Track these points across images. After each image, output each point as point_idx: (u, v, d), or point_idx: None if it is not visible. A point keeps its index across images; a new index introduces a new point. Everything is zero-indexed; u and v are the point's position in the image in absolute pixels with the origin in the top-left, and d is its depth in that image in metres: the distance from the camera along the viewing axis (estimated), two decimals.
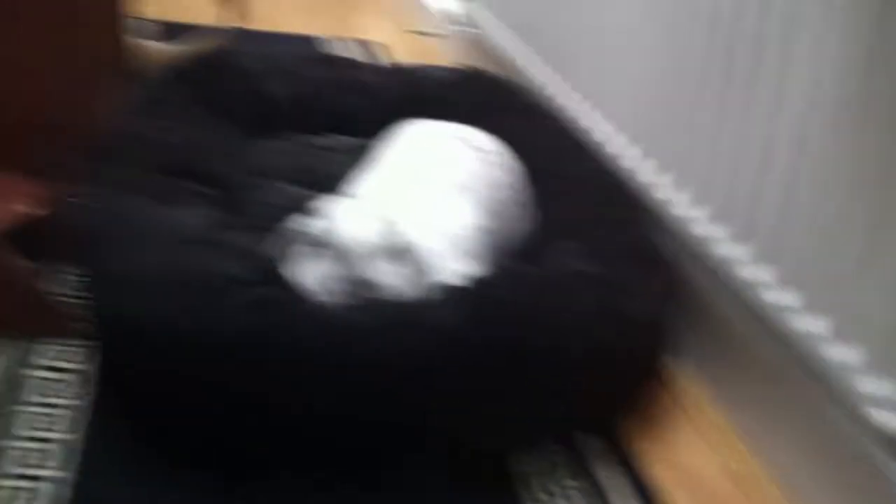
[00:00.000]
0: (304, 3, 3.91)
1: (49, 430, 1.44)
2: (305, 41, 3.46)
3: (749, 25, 1.51)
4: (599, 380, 1.53)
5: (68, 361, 1.58)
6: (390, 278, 1.48)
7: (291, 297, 1.46)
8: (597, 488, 1.48)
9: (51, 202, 1.79)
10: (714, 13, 1.62)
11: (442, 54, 3.36)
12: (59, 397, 1.51)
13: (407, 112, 2.35)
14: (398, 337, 1.39)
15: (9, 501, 1.30)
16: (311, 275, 1.49)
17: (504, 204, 1.80)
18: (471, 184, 1.76)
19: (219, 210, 1.75)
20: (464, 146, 1.84)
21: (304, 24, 3.64)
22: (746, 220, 1.52)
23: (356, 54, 3.31)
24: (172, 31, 3.15)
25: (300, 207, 1.89)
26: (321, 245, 1.48)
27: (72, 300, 1.72)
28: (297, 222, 1.57)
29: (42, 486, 1.34)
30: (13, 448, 1.40)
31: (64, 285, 1.78)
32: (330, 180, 2.09)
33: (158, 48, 2.85)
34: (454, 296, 1.47)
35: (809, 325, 1.42)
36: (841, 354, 1.36)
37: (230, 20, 2.85)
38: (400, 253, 1.52)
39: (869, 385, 1.32)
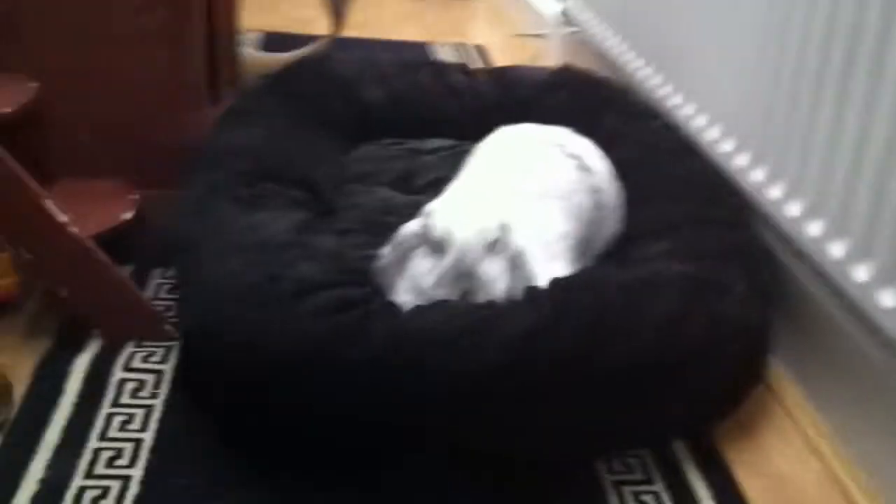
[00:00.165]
0: (410, 10, 3.92)
1: (123, 429, 1.47)
2: (409, 47, 3.48)
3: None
4: (690, 384, 1.48)
5: (146, 362, 1.61)
6: (497, 279, 1.46)
7: (372, 300, 1.45)
8: (688, 496, 1.43)
9: (146, 208, 1.83)
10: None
11: (546, 56, 3.33)
12: (134, 397, 1.53)
13: (503, 114, 2.33)
14: (474, 343, 1.37)
15: (82, 499, 1.33)
16: (417, 274, 1.48)
17: (595, 210, 1.78)
18: (562, 192, 1.73)
19: (310, 215, 1.77)
20: (558, 152, 1.82)
21: (409, 31, 3.66)
22: (866, 235, 1.44)
23: (459, 59, 3.31)
24: (277, 41, 3.20)
25: (395, 211, 1.90)
26: (430, 243, 1.47)
27: (161, 303, 1.77)
28: (406, 223, 1.56)
29: (113, 483, 1.36)
30: (90, 447, 1.43)
31: (155, 289, 1.82)
32: (425, 184, 2.10)
33: (263, 58, 2.90)
34: (532, 300, 1.45)
35: None
36: None
37: (335, 29, 2.89)
38: (508, 255, 1.50)
39: None
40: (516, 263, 1.50)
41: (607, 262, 1.86)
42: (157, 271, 1.87)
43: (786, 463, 1.53)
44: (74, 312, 1.64)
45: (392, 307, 1.46)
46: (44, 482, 1.35)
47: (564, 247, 1.68)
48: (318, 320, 1.41)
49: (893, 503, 1.41)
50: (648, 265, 1.65)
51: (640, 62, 2.39)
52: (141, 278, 1.85)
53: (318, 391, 1.40)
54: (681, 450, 1.52)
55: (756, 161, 1.77)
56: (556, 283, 1.50)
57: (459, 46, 3.54)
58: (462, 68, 2.46)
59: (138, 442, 1.44)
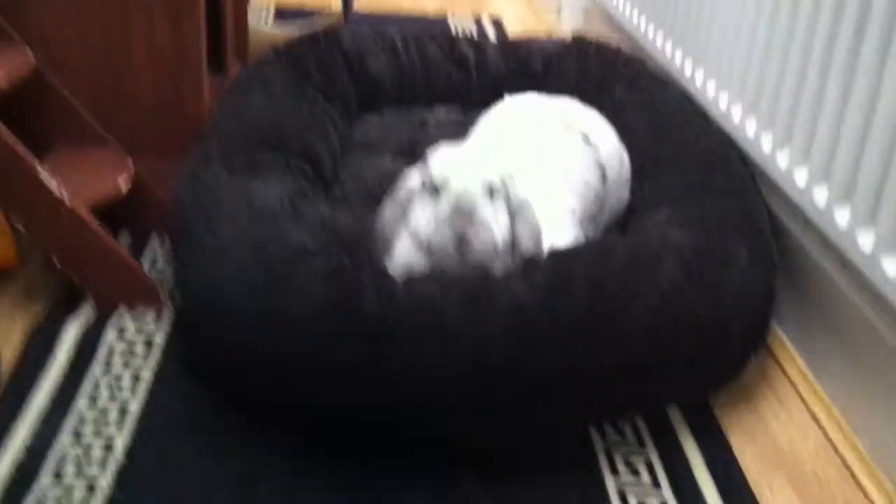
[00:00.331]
0: None
1: (112, 396, 1.46)
2: (422, 20, 3.46)
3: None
4: (689, 352, 1.45)
5: (137, 329, 1.61)
6: (497, 226, 1.43)
7: (364, 270, 1.43)
8: (680, 463, 1.40)
9: (143, 176, 1.82)
10: None
11: (562, 27, 3.29)
12: (125, 364, 1.53)
13: (513, 85, 2.31)
14: (466, 315, 1.35)
15: (65, 464, 1.33)
16: (416, 222, 1.46)
17: (600, 185, 1.75)
18: (567, 166, 1.71)
19: (307, 184, 1.75)
20: (563, 125, 1.79)
21: (430, 4, 3.64)
22: (871, 202, 1.40)
23: (478, 31, 3.28)
24: (289, 15, 3.20)
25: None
26: (429, 189, 1.45)
27: (158, 271, 1.76)
28: (409, 171, 1.54)
29: (98, 450, 1.36)
30: (76, 412, 1.42)
31: (152, 257, 1.82)
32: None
33: (274, 32, 2.89)
34: (527, 272, 1.42)
35: None
36: None
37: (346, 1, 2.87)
38: (510, 204, 1.47)
39: None
40: (518, 212, 1.47)
41: (612, 232, 1.83)
42: (155, 240, 1.86)
43: (783, 431, 1.49)
44: (68, 279, 1.63)
45: (384, 277, 1.43)
46: (29, 446, 1.35)
47: (570, 221, 1.65)
48: (309, 290, 1.39)
49: (888, 470, 1.37)
50: (651, 234, 1.62)
51: (652, 30, 2.35)
52: (138, 247, 1.84)
53: (309, 361, 1.39)
54: (676, 416, 1.49)
55: (763, 128, 1.74)
56: (554, 254, 1.47)
57: (473, 18, 3.51)
58: (471, 39, 2.42)
59: (125, 409, 1.43)
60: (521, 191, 1.49)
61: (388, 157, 2.06)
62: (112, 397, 1.46)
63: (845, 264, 1.48)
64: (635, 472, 1.38)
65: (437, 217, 1.41)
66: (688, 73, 2.10)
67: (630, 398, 1.48)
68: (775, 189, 1.68)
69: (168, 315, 1.64)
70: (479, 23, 3.49)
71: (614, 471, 1.38)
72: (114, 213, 1.74)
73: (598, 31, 2.78)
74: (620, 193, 1.83)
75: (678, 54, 2.17)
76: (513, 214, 1.47)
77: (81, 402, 1.44)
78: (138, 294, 1.65)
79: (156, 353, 1.55)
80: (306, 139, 1.91)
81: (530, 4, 3.75)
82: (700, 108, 2.02)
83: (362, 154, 2.07)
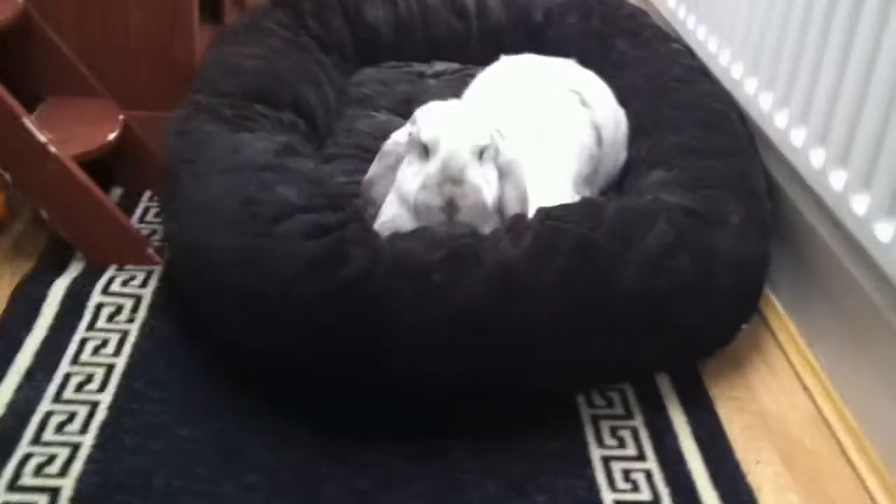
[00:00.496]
0: None
1: (96, 353, 1.45)
2: None
3: None
4: (677, 317, 1.43)
5: (125, 286, 1.60)
6: (485, 187, 1.41)
7: (349, 226, 1.41)
8: (666, 432, 1.39)
9: (135, 128, 1.80)
10: None
11: None
12: (111, 321, 1.52)
13: (513, 37, 2.27)
14: (450, 274, 1.33)
15: (48, 424, 1.32)
16: (403, 181, 1.44)
17: (595, 146, 1.73)
18: (563, 127, 1.68)
19: (297, 138, 1.73)
20: (559, 86, 1.76)
21: None
22: (867, 166, 1.37)
23: None
24: None
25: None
26: (417, 149, 1.42)
27: (148, 226, 1.75)
28: (402, 129, 1.52)
29: (81, 408, 1.35)
30: (61, 371, 1.42)
31: (142, 211, 1.80)
32: None
33: None
34: (513, 231, 1.40)
35: None
36: None
37: None
38: (499, 163, 1.45)
39: None
40: (507, 172, 1.46)
41: (608, 193, 1.81)
42: (146, 193, 1.84)
43: (772, 399, 1.48)
44: (58, 235, 1.62)
45: (368, 234, 1.42)
46: (11, 405, 1.34)
47: (564, 182, 1.63)
48: (293, 247, 1.38)
49: (878, 442, 1.36)
50: (644, 195, 1.60)
51: None
52: (131, 202, 1.83)
53: (294, 317, 1.38)
54: (665, 384, 1.48)
55: (764, 87, 1.70)
56: (542, 214, 1.45)
57: None
58: None
59: (110, 367, 1.43)
60: (509, 149, 1.47)
61: (384, 112, 2.03)
62: (97, 355, 1.45)
63: (839, 228, 1.46)
64: (621, 442, 1.38)
65: (427, 180, 1.39)
66: (690, 26, 2.06)
67: (616, 363, 1.46)
68: (773, 150, 1.65)
69: (157, 271, 1.62)
70: None
71: (600, 440, 1.37)
72: (106, 168, 1.72)
73: None
74: (617, 155, 1.80)
75: (682, 9, 2.12)
76: (501, 174, 1.45)
77: (66, 361, 1.43)
78: (128, 250, 1.63)
79: (143, 312, 1.54)
80: (299, 91, 1.88)
81: None
82: (702, 64, 1.98)
83: (358, 108, 2.04)
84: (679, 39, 2.10)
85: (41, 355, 1.43)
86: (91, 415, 1.34)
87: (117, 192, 1.85)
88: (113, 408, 1.35)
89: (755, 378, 1.53)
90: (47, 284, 1.57)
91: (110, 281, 1.60)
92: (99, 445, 1.29)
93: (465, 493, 1.28)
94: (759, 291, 1.56)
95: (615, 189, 1.84)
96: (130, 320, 1.52)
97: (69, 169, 1.57)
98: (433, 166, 1.38)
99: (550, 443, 1.36)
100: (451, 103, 1.53)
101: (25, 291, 1.56)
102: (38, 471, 1.24)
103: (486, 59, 2.01)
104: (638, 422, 1.41)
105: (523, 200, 1.47)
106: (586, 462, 1.33)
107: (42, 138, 1.55)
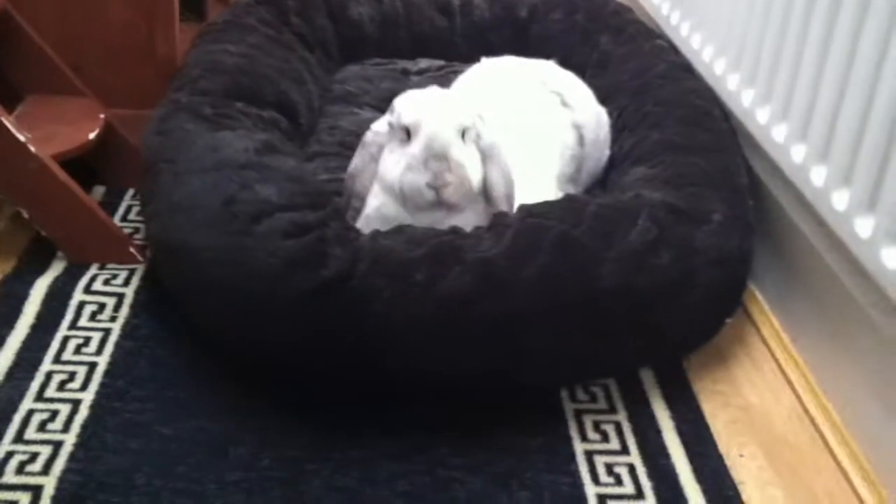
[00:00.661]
0: None
1: (78, 352, 1.45)
2: None
3: None
4: (658, 314, 1.44)
5: (107, 285, 1.59)
6: (470, 167, 1.41)
7: (329, 224, 1.41)
8: (650, 427, 1.39)
9: (117, 127, 1.79)
10: None
11: None
12: (93, 320, 1.51)
13: (497, 34, 2.28)
14: (431, 271, 1.34)
15: (30, 423, 1.32)
16: (386, 168, 1.44)
17: (577, 146, 1.74)
18: (545, 129, 1.69)
19: (279, 136, 1.72)
20: (540, 88, 1.76)
21: None
22: (847, 161, 1.37)
23: None
24: None
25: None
26: (399, 133, 1.42)
27: (130, 224, 1.74)
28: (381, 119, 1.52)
29: (63, 407, 1.35)
30: (42, 370, 1.41)
31: (125, 209, 1.79)
32: None
33: None
34: (495, 228, 1.40)
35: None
36: None
37: None
38: (482, 145, 1.45)
39: None
40: (489, 153, 1.46)
41: (592, 191, 1.81)
42: (129, 192, 1.83)
43: (756, 394, 1.48)
44: (39, 233, 1.61)
45: (349, 232, 1.42)
46: None
47: (548, 182, 1.64)
48: (272, 246, 1.38)
49: (860, 437, 1.36)
50: (626, 192, 1.60)
51: None
52: (113, 199, 1.82)
53: (275, 316, 1.38)
54: (649, 379, 1.48)
55: (746, 83, 1.70)
56: (524, 209, 1.45)
57: None
58: None
59: (92, 366, 1.42)
60: (490, 132, 1.47)
61: (368, 109, 2.03)
62: (79, 354, 1.44)
63: (821, 224, 1.46)
64: (604, 436, 1.38)
65: (411, 160, 1.39)
66: (674, 22, 2.06)
67: (600, 359, 1.47)
68: (756, 146, 1.65)
69: (140, 270, 1.61)
70: None
71: (583, 434, 1.38)
72: (89, 166, 1.71)
73: None
74: (600, 154, 1.81)
75: (666, 5, 2.12)
76: (484, 157, 1.45)
77: (48, 360, 1.42)
78: (109, 249, 1.63)
79: (125, 310, 1.54)
80: (281, 89, 1.87)
81: None
82: (685, 60, 1.98)
83: (341, 105, 2.03)
84: (663, 35, 2.09)
85: (23, 354, 1.43)
86: (73, 413, 1.33)
87: (100, 190, 1.84)
88: (95, 406, 1.35)
89: (739, 372, 1.53)
90: (29, 283, 1.56)
91: (92, 280, 1.59)
92: (81, 444, 1.29)
93: (450, 489, 1.28)
94: (741, 287, 1.56)
95: (599, 186, 1.84)
96: (112, 319, 1.51)
97: (49, 168, 1.57)
98: (416, 147, 1.39)
99: (534, 438, 1.36)
100: (431, 90, 1.52)
101: (7, 290, 1.55)
102: (21, 469, 1.24)
103: (471, 56, 2.01)
104: (621, 416, 1.41)
105: (508, 182, 1.47)
106: (570, 457, 1.33)
107: (22, 137, 1.55)
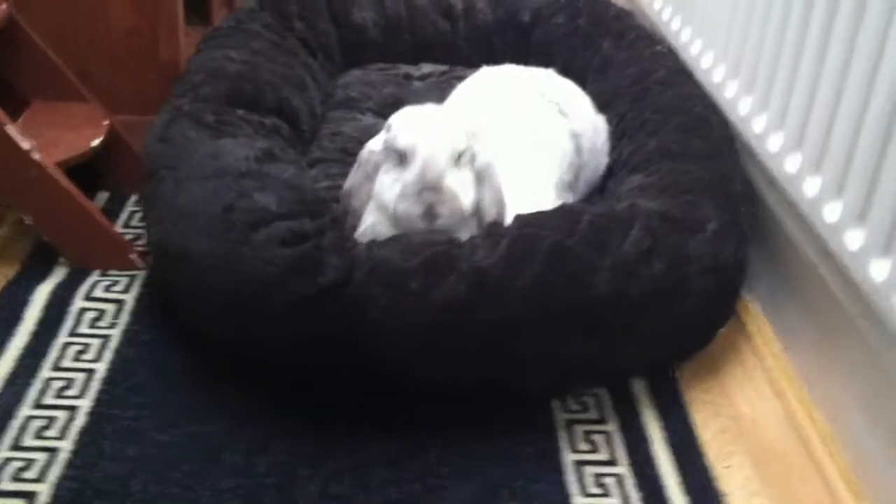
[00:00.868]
0: None
1: (77, 359, 1.47)
2: None
3: None
4: (651, 323, 1.45)
5: (108, 291, 1.61)
6: (463, 193, 1.42)
7: (326, 233, 1.43)
8: (640, 437, 1.41)
9: (121, 133, 1.81)
10: None
11: None
12: (93, 327, 1.53)
13: (500, 38, 2.29)
14: (426, 280, 1.35)
15: (27, 430, 1.34)
16: (381, 190, 1.45)
17: (575, 155, 1.75)
18: (543, 138, 1.70)
19: (280, 142, 1.74)
20: (537, 96, 1.77)
21: None
22: (840, 173, 1.38)
23: None
24: None
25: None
26: (394, 156, 1.44)
27: (133, 231, 1.76)
28: (377, 136, 1.53)
29: (60, 414, 1.37)
30: (41, 377, 1.43)
31: (127, 216, 1.81)
32: None
33: None
34: (490, 238, 1.41)
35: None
36: None
37: None
38: (476, 167, 1.46)
39: None
40: (483, 175, 1.47)
41: (590, 198, 1.82)
42: (132, 198, 1.85)
43: (747, 404, 1.49)
44: (41, 239, 1.63)
45: (345, 241, 1.43)
46: None
47: (546, 191, 1.65)
48: (271, 253, 1.39)
49: (851, 448, 1.37)
50: (622, 200, 1.61)
51: None
52: (116, 205, 1.84)
53: (272, 323, 1.40)
54: (640, 389, 1.49)
55: (744, 91, 1.71)
56: (519, 220, 1.46)
57: None
58: None
59: (91, 373, 1.44)
60: (485, 151, 1.48)
61: (370, 115, 2.04)
62: (78, 360, 1.46)
63: (814, 235, 1.47)
64: (594, 446, 1.39)
65: (405, 189, 1.40)
66: (675, 28, 2.06)
67: (592, 368, 1.48)
68: (752, 155, 1.66)
69: (140, 276, 1.63)
70: None
71: (573, 444, 1.39)
72: (93, 172, 1.73)
73: None
74: (598, 162, 1.82)
75: (667, 10, 2.13)
76: (478, 178, 1.46)
77: (47, 366, 1.45)
78: (111, 255, 1.65)
79: (125, 317, 1.56)
80: (283, 95, 1.89)
81: None
82: (685, 66, 1.98)
83: (344, 110, 2.05)
84: (664, 41, 2.10)
85: (22, 360, 1.45)
86: (70, 420, 1.35)
87: (103, 196, 1.86)
88: (92, 413, 1.37)
89: (731, 382, 1.54)
90: (30, 289, 1.59)
91: (93, 286, 1.61)
92: (77, 451, 1.30)
93: (441, 497, 1.29)
94: (735, 296, 1.57)
95: (598, 193, 1.85)
96: (112, 325, 1.54)
97: (52, 175, 1.59)
98: (411, 174, 1.40)
99: (525, 447, 1.38)
100: (426, 107, 1.54)
101: (8, 296, 1.57)
102: (16, 475, 1.26)
103: (474, 60, 2.03)
104: (612, 426, 1.42)
105: (500, 204, 1.48)
106: (559, 467, 1.35)
107: (25, 145, 1.57)
